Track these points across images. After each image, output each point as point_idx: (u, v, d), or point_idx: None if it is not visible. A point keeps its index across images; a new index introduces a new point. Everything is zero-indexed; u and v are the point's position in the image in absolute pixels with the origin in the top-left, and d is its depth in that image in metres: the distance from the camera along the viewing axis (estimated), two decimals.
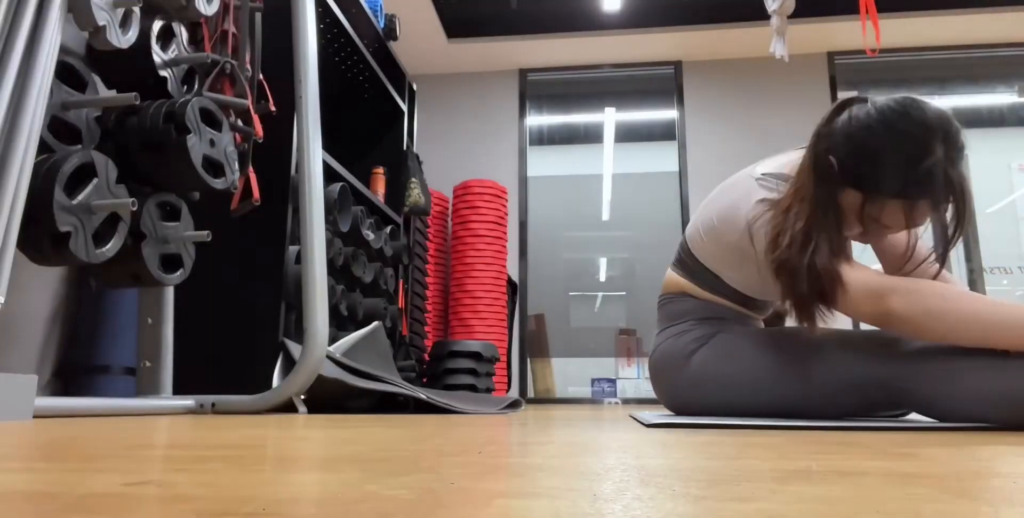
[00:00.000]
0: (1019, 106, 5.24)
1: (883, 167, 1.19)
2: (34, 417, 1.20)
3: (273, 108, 1.97)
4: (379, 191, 3.10)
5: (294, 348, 1.96)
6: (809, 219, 1.23)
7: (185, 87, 1.72)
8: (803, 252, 1.22)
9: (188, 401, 1.65)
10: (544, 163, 5.51)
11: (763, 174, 1.39)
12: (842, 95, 5.24)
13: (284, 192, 2.12)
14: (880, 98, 1.25)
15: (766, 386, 1.36)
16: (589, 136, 5.64)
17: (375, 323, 2.56)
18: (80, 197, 1.34)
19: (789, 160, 1.42)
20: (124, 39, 1.45)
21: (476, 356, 3.31)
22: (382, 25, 3.21)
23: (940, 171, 1.15)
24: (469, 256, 4.28)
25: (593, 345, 5.18)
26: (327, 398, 1.94)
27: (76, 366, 1.90)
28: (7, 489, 0.35)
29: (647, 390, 5.03)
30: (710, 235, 1.45)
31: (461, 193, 4.43)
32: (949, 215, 1.19)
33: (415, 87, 3.63)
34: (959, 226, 1.19)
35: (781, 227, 1.26)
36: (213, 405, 1.67)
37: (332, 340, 2.32)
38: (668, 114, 5.48)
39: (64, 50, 1.46)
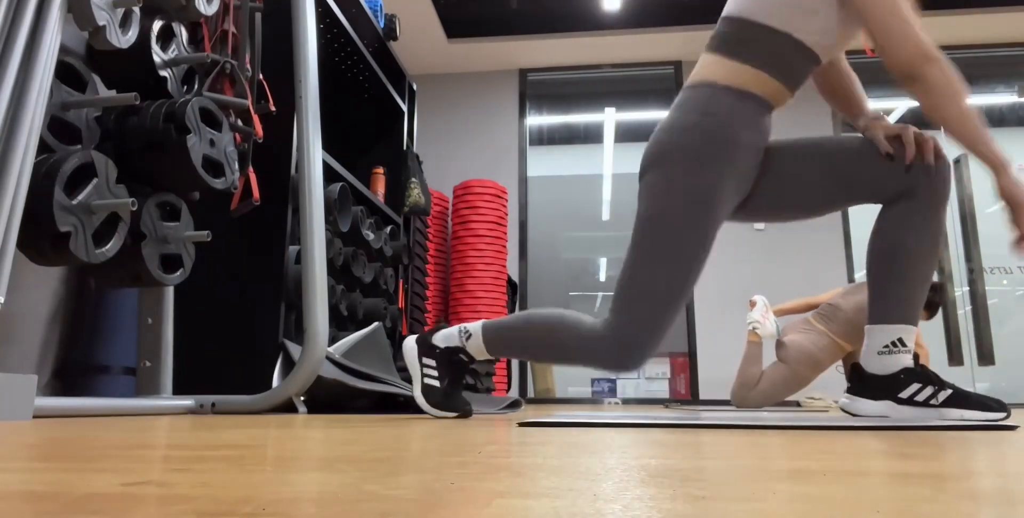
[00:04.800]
0: (1019, 106, 5.24)
1: None
2: (34, 417, 1.20)
3: (273, 108, 1.97)
4: (379, 191, 3.10)
5: (294, 349, 1.96)
6: None
7: (185, 87, 1.72)
8: None
9: (188, 401, 1.65)
10: (544, 163, 5.51)
11: None
12: None
13: (284, 192, 2.12)
14: None
15: None
16: (589, 136, 5.64)
17: (375, 324, 2.56)
18: (80, 197, 1.34)
19: None
20: (124, 39, 1.45)
21: None
22: (382, 25, 3.21)
23: None
24: (469, 256, 4.28)
25: None
26: (327, 398, 1.94)
27: (76, 366, 1.90)
28: (7, 489, 0.35)
29: (647, 390, 5.03)
30: None
31: (461, 193, 4.43)
32: None
33: (415, 87, 3.63)
34: None
35: None
36: (213, 405, 1.67)
37: (332, 340, 2.32)
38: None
39: (64, 50, 1.46)
